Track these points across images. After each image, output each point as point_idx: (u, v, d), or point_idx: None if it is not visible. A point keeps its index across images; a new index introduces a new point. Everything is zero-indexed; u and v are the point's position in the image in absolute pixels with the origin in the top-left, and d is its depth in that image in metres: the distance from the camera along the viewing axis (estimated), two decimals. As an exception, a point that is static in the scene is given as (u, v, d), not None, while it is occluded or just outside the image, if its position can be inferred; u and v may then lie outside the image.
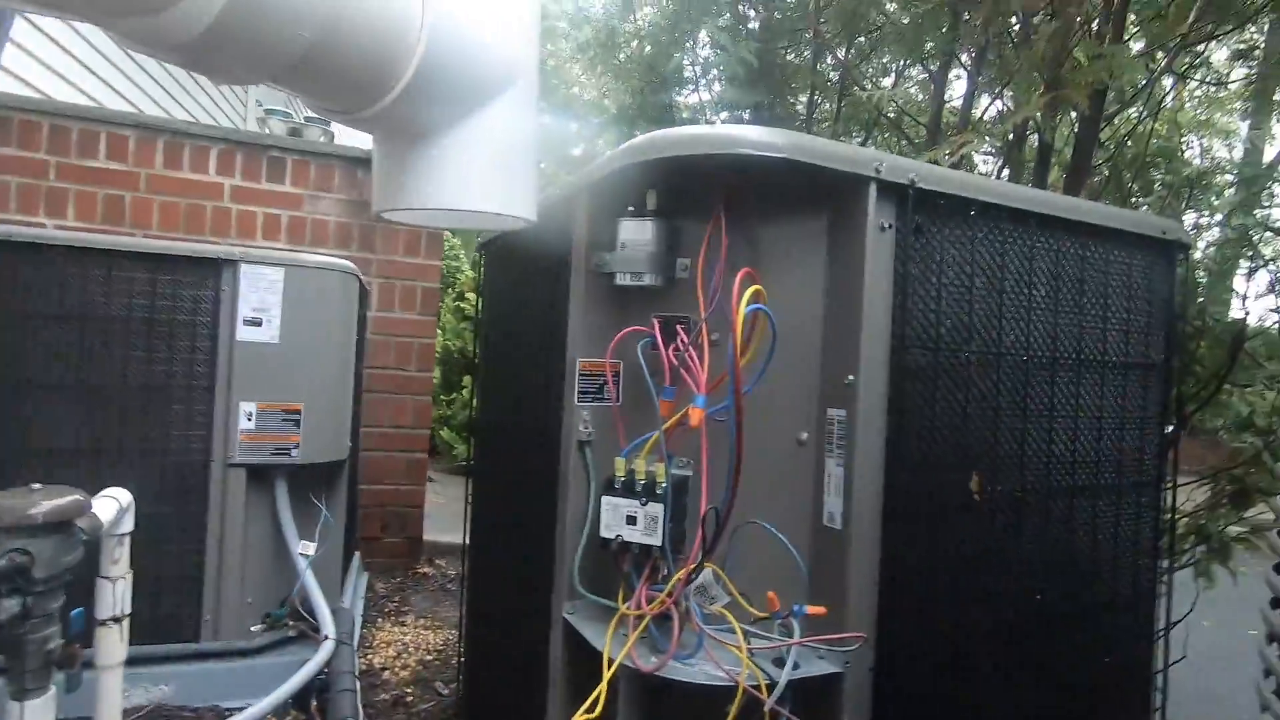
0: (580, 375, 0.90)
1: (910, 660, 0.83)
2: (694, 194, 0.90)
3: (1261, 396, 2.14)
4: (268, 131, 3.01)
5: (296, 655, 2.00)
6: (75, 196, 2.61)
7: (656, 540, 0.81)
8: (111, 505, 1.24)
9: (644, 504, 0.81)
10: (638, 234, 0.89)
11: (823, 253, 0.87)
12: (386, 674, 2.22)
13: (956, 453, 0.86)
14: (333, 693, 1.59)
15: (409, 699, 2.09)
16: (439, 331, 5.24)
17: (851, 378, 0.79)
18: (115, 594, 1.35)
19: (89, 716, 1.47)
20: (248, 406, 1.96)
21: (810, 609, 0.78)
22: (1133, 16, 2.30)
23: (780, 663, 0.77)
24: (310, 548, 2.04)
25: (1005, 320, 0.91)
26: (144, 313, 1.88)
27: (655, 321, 0.81)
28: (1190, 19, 2.24)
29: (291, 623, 2.04)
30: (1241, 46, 3.18)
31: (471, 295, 5.41)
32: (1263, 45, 3.11)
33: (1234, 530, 2.13)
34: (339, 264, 2.10)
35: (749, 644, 0.79)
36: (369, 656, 2.32)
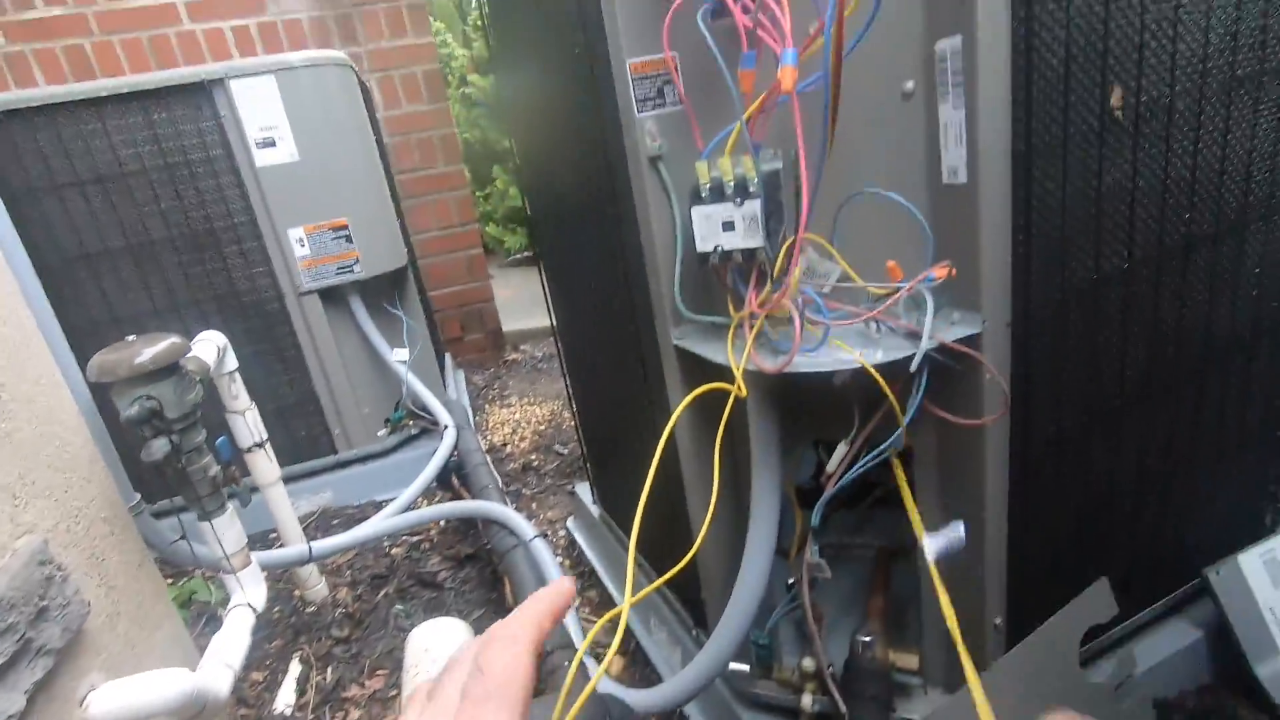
0: (635, 80, 0.78)
1: (1050, 309, 0.78)
2: None
3: None
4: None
5: (426, 448, 2.17)
6: (36, 58, 2.39)
7: (758, 241, 0.74)
8: (209, 347, 1.26)
9: (739, 204, 0.73)
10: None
11: None
12: (509, 448, 2.41)
13: (1096, 64, 0.72)
14: (468, 468, 1.73)
15: (535, 463, 2.28)
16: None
17: (965, -11, 0.64)
18: (248, 424, 1.43)
19: (272, 528, 1.66)
20: (296, 232, 1.92)
21: (937, 271, 0.72)
22: None
23: (915, 335, 0.73)
24: (404, 353, 2.10)
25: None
26: (157, 159, 1.78)
27: (714, -23, 0.66)
28: None
29: (411, 422, 2.18)
30: None
31: (475, 78, 4.98)
32: None
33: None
34: (329, 56, 1.90)
35: (874, 320, 0.75)
36: (488, 437, 2.51)
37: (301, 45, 2.64)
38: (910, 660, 0.95)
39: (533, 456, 2.31)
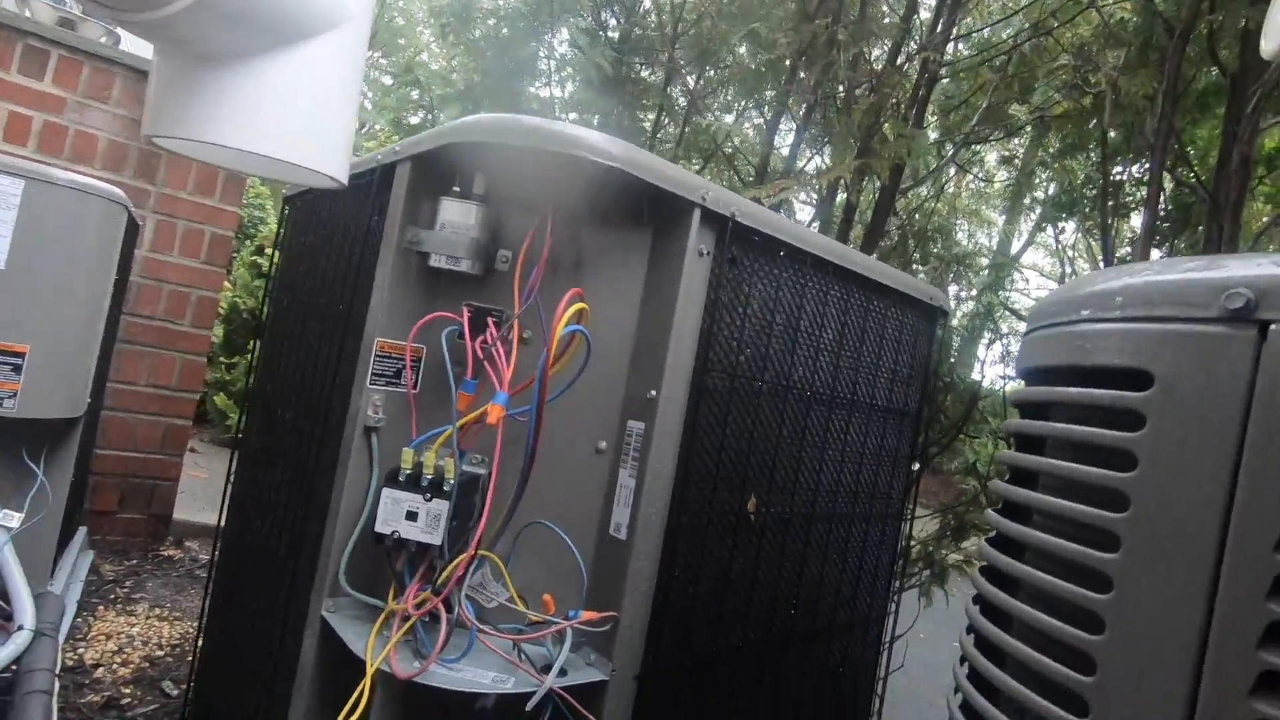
0: (377, 356, 0.84)
1: (671, 671, 0.87)
2: (524, 187, 0.88)
3: (985, 447, 2.54)
4: (28, 15, 2.49)
5: (-22, 647, 1.65)
6: None
7: (436, 539, 0.77)
8: None
9: (428, 499, 0.77)
10: (461, 216, 0.84)
11: (642, 268, 0.88)
12: (100, 671, 1.91)
13: (739, 474, 0.92)
14: (18, 694, 1.33)
15: (125, 701, 1.81)
16: (228, 285, 4.67)
17: (654, 392, 0.81)
18: None
19: None
20: (-53, 340, 1.60)
21: (585, 614, 0.78)
22: (933, 107, 2.65)
23: (548, 669, 0.76)
24: (14, 518, 1.70)
25: (797, 356, 0.98)
26: None
27: (466, 310, 0.77)
28: (973, 121, 2.64)
29: (-25, 608, 1.68)
30: (1006, 154, 3.82)
31: (271, 250, 4.89)
32: (1020, 156, 3.76)
33: (953, 558, 2.50)
34: (103, 188, 1.79)
35: (517, 648, 0.78)
36: (80, 651, 1.98)
37: (88, 160, 2.47)
38: None
39: (127, 690, 1.83)
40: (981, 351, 2.77)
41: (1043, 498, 0.47)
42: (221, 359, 4.76)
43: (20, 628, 1.49)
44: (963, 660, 0.54)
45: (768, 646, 0.98)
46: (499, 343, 0.76)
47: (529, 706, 0.71)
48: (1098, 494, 0.42)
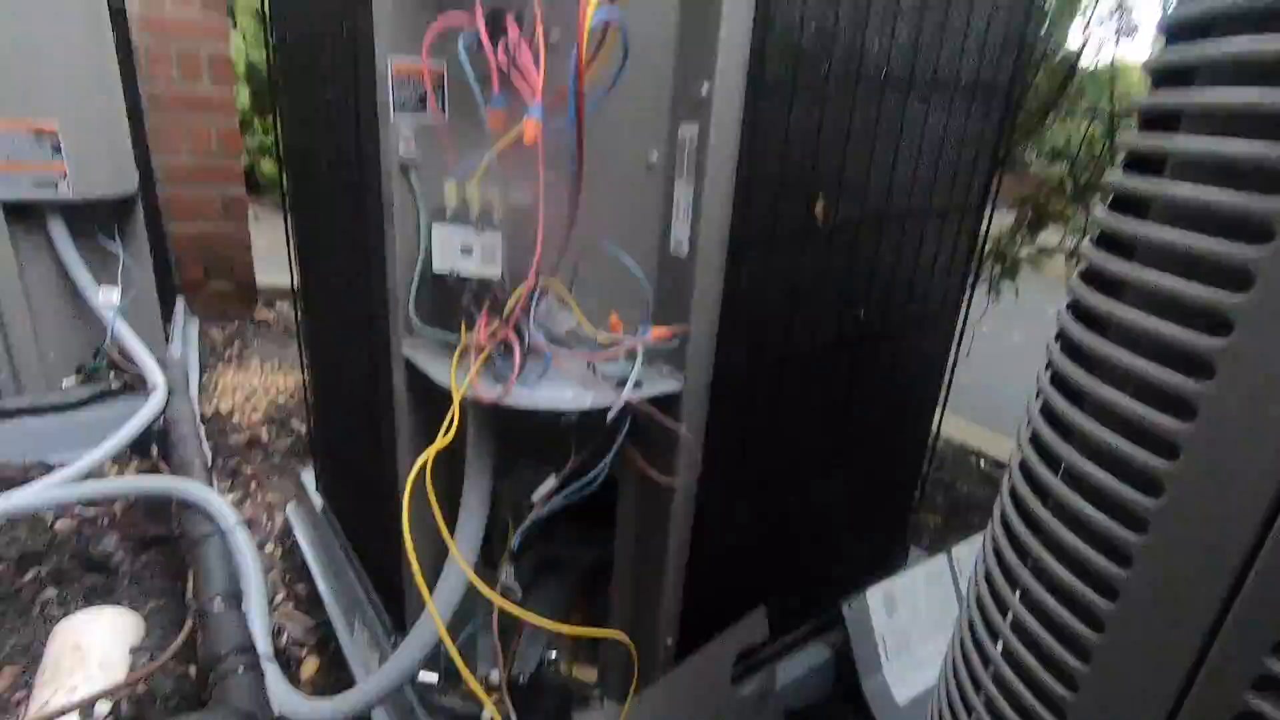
0: (395, 80, 0.75)
1: (742, 378, 0.89)
2: None
3: (1077, 129, 2.29)
4: None
5: (126, 408, 1.88)
6: None
7: (495, 272, 0.76)
8: None
9: (480, 232, 0.74)
10: (453, -112, 0.69)
11: (682, -67, 0.72)
12: (237, 417, 2.18)
13: (805, 176, 0.84)
14: (174, 438, 1.53)
15: (265, 438, 2.08)
16: (239, 39, 4.35)
17: (706, 87, 0.71)
18: None
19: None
20: (-23, 126, 1.57)
21: (654, 332, 0.79)
22: None
23: (622, 384, 0.79)
24: (115, 294, 1.81)
25: (869, 30, 0.83)
26: None
27: (479, 8, 0.66)
28: None
29: (113, 374, 1.89)
30: None
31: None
32: None
33: (1025, 252, 2.41)
34: (59, -74, 1.58)
35: (593, 365, 0.80)
36: (214, 402, 2.25)
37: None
38: (590, 674, 1.03)
39: (264, 430, 2.10)
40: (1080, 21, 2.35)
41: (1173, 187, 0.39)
42: (256, 121, 4.62)
43: (155, 386, 1.67)
44: (1047, 365, 0.51)
45: (838, 348, 0.99)
46: (523, 45, 0.66)
47: (609, 418, 0.75)
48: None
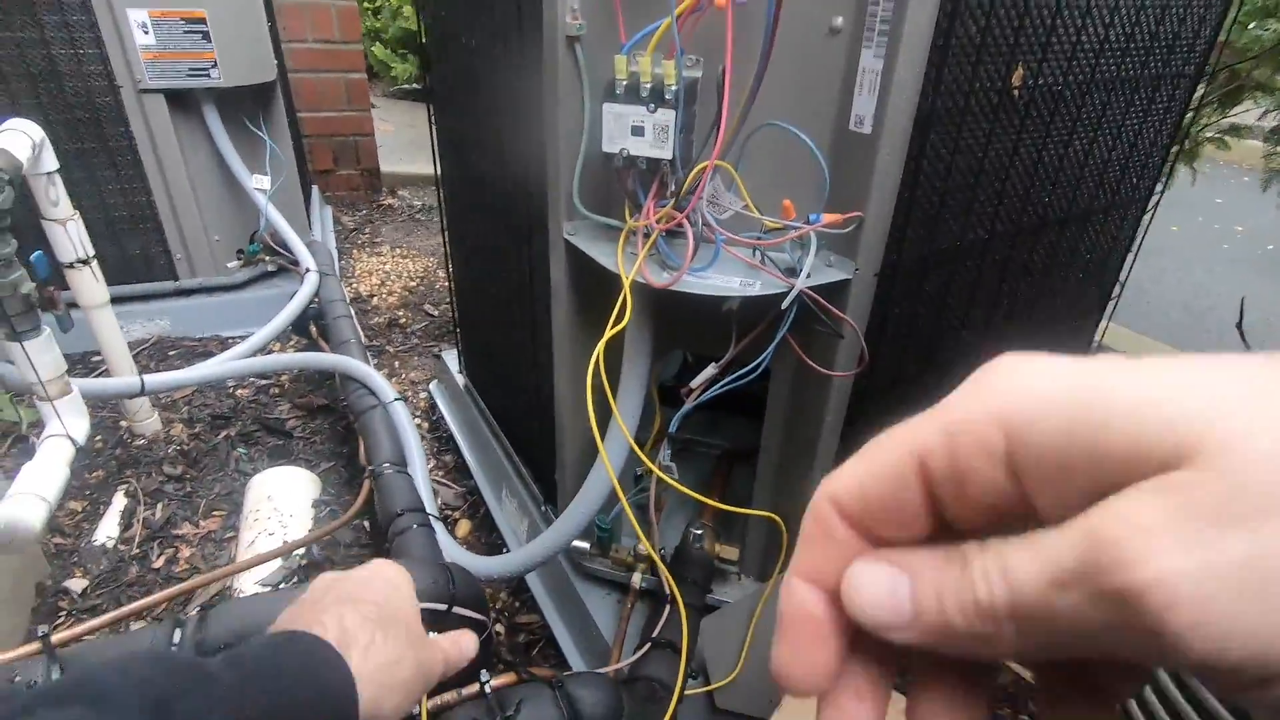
0: (563, -55, 0.71)
1: (913, 267, 0.84)
2: None
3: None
4: None
5: (282, 288, 2.03)
6: None
7: (667, 153, 0.73)
8: (19, 139, 1.08)
9: (652, 110, 0.71)
10: None
11: None
12: (375, 300, 2.31)
13: (1008, 37, 0.75)
14: (329, 319, 1.65)
15: (402, 320, 2.21)
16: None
17: (912, -63, 0.63)
18: (71, 236, 1.27)
19: (96, 349, 1.52)
20: (137, 14, 1.64)
21: (827, 217, 0.75)
22: None
23: (793, 272, 0.76)
24: (264, 181, 1.91)
25: None
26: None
27: None
28: None
29: (267, 258, 2.03)
30: None
31: None
32: None
33: (1211, 131, 2.11)
34: None
35: (760, 254, 0.78)
36: (354, 285, 2.38)
37: None
38: (732, 553, 1.07)
39: (400, 313, 2.23)
40: None
41: None
42: (365, 4, 4.60)
43: (308, 270, 1.78)
44: None
45: (1018, 237, 0.91)
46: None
47: (784, 305, 0.74)
48: None
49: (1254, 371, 0.14)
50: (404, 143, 3.68)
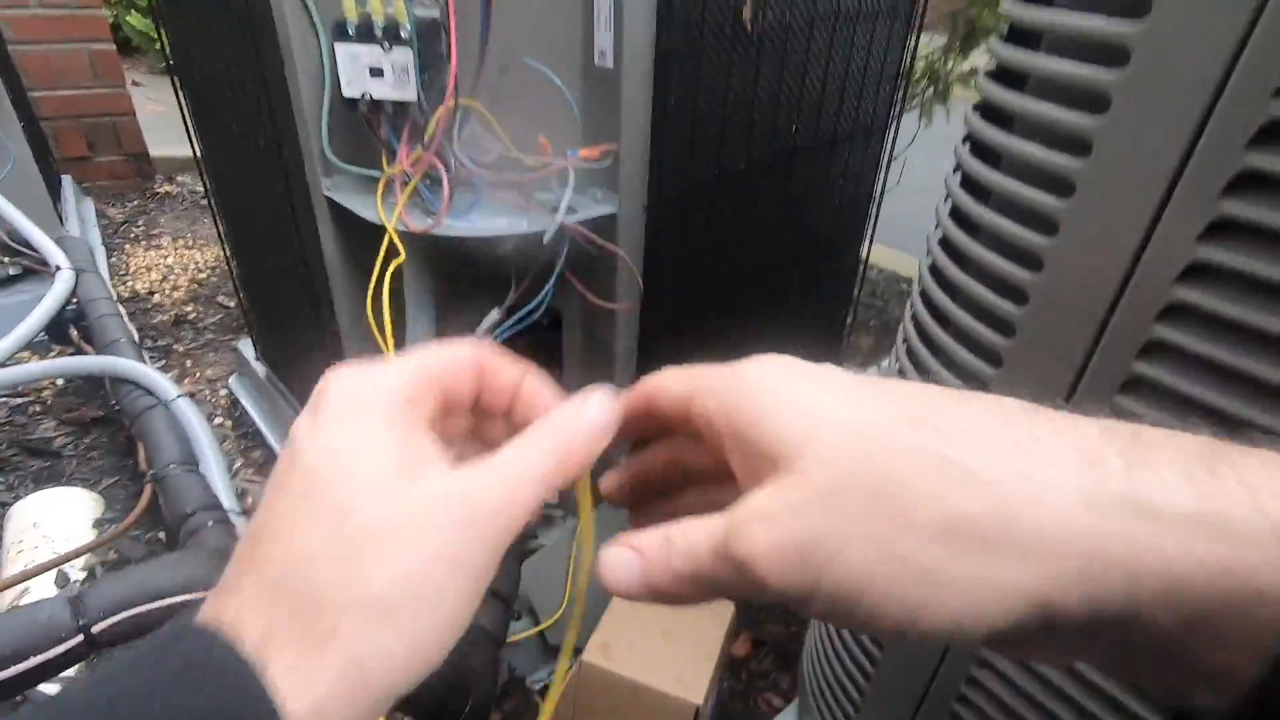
0: (264, -128, 0.66)
1: (676, 198, 0.89)
2: None
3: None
4: None
5: (33, 292, 1.77)
6: None
7: (411, 94, 0.71)
8: None
9: (388, 50, 0.69)
10: None
11: None
12: (157, 297, 2.08)
13: (731, -26, 0.80)
14: (92, 319, 1.46)
15: (191, 315, 2.01)
16: None
17: None
18: None
19: None
20: None
21: (583, 152, 0.77)
22: None
23: (557, 209, 0.78)
24: (-17, 170, 1.64)
25: None
26: None
27: None
28: None
29: (7, 259, 1.75)
30: None
31: None
32: None
33: (958, 71, 2.38)
34: None
35: (526, 192, 0.79)
36: (129, 283, 2.13)
37: None
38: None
39: (189, 308, 2.02)
40: None
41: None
42: (111, -34, 4.01)
43: (58, 268, 1.57)
44: (946, 197, 0.53)
45: (771, 166, 0.98)
46: None
47: (545, 240, 0.75)
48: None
49: (847, 393, 0.21)
50: (179, 124, 3.29)
